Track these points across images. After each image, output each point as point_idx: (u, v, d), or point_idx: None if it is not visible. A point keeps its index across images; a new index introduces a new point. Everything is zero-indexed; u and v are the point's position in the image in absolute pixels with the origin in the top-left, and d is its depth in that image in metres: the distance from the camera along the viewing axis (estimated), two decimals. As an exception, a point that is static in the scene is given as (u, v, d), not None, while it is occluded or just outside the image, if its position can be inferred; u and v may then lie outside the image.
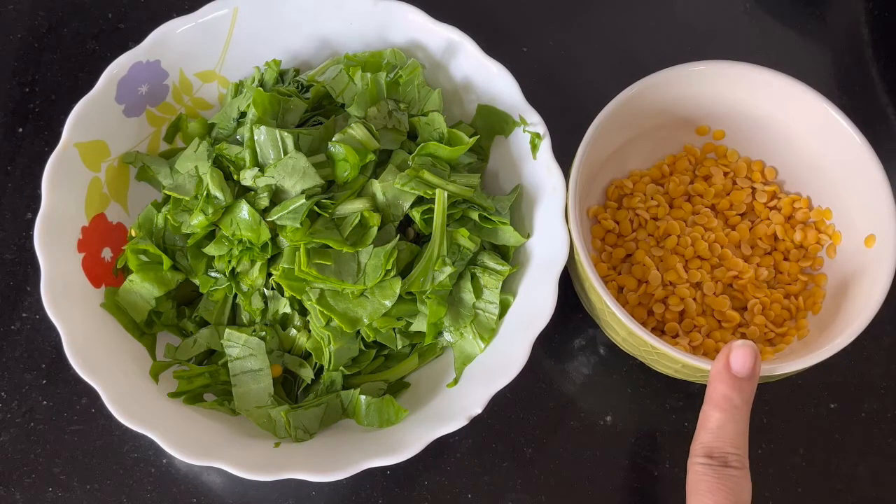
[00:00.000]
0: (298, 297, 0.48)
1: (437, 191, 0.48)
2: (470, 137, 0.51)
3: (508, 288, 0.50)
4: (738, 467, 0.42)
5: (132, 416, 0.45)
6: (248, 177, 0.48)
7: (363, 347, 0.50)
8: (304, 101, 0.51)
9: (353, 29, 0.54)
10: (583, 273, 0.48)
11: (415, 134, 0.52)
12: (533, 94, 0.52)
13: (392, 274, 0.47)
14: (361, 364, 0.50)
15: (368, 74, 0.51)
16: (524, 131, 0.52)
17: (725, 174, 0.56)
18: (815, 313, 0.53)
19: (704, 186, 0.55)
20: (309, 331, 0.50)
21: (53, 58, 0.62)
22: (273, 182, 0.48)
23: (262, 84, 0.53)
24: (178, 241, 0.51)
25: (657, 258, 0.53)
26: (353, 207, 0.48)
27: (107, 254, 0.51)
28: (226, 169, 0.49)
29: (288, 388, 0.51)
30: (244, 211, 0.48)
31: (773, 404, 0.55)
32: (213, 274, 0.51)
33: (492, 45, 0.53)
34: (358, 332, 0.49)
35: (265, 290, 0.50)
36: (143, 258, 0.50)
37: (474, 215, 0.50)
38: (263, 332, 0.49)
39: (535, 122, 0.51)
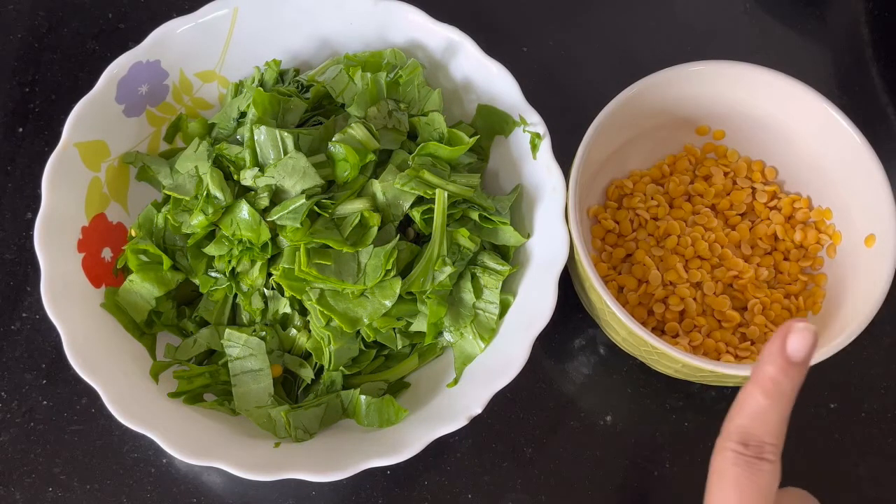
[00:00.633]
0: (298, 297, 0.48)
1: (437, 191, 0.48)
2: (470, 137, 0.51)
3: (508, 288, 0.50)
4: (772, 461, 0.39)
5: (132, 416, 0.45)
6: (248, 177, 0.48)
7: (363, 347, 0.50)
8: (304, 101, 0.51)
9: (353, 29, 0.54)
10: (583, 273, 0.48)
11: (415, 134, 0.52)
12: (533, 94, 0.52)
13: (392, 274, 0.47)
14: (361, 364, 0.50)
15: (368, 74, 0.51)
16: (524, 131, 0.52)
17: (725, 174, 0.56)
18: (815, 313, 0.53)
19: (704, 186, 0.55)
20: (309, 331, 0.50)
21: (53, 58, 0.62)
22: (273, 182, 0.48)
23: (262, 84, 0.53)
24: (178, 241, 0.51)
25: (657, 258, 0.53)
26: (353, 207, 0.48)
27: (107, 254, 0.51)
28: (226, 169, 0.49)
29: (288, 388, 0.51)
30: (244, 211, 0.48)
31: (773, 404, 0.55)
32: (213, 274, 0.51)
33: (492, 45, 0.53)
34: (358, 332, 0.49)
35: (265, 290, 0.50)
36: (143, 258, 0.50)
37: (474, 215, 0.50)
38: (263, 332, 0.49)
39: (535, 122, 0.51)
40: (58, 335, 0.46)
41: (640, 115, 0.54)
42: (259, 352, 0.49)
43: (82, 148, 0.50)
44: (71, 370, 0.45)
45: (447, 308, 0.49)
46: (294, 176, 0.48)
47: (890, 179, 0.50)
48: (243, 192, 0.49)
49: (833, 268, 0.53)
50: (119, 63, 0.51)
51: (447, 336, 0.50)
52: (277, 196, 0.48)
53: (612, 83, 0.52)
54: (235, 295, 0.51)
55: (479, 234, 0.50)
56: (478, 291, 0.50)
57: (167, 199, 0.51)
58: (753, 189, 0.56)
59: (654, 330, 0.53)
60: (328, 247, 0.47)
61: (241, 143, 0.50)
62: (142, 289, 0.50)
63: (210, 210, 0.48)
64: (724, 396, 0.55)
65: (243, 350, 0.49)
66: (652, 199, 0.55)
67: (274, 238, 0.48)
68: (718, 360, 0.51)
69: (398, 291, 0.47)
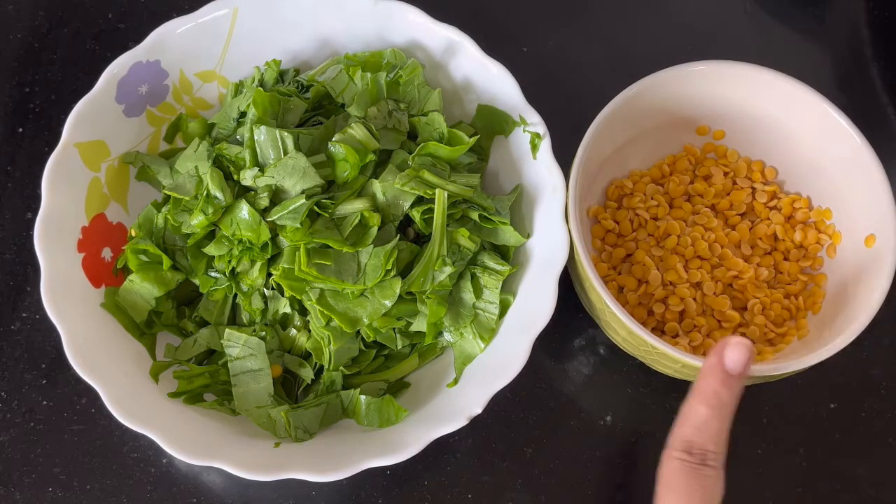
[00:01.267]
0: (298, 297, 0.48)
1: (437, 191, 0.48)
2: (470, 137, 0.51)
3: (508, 288, 0.50)
4: (714, 467, 0.41)
5: (132, 416, 0.45)
6: (248, 177, 0.48)
7: (363, 347, 0.50)
8: (304, 101, 0.51)
9: (353, 29, 0.54)
10: (583, 273, 0.48)
11: (415, 134, 0.52)
12: (533, 94, 0.52)
13: (392, 274, 0.47)
14: (361, 364, 0.50)
15: (368, 74, 0.51)
16: (524, 131, 0.52)
17: (725, 174, 0.56)
18: (815, 313, 0.53)
19: (704, 186, 0.55)
20: (309, 331, 0.50)
21: (53, 58, 0.62)
22: (273, 182, 0.48)
23: (262, 84, 0.53)
24: (178, 241, 0.51)
25: (657, 258, 0.53)
26: (353, 207, 0.48)
27: (107, 254, 0.51)
28: (226, 169, 0.49)
29: (288, 388, 0.51)
30: (244, 211, 0.48)
31: (773, 404, 0.55)
32: (213, 274, 0.51)
33: (492, 45, 0.53)
34: (358, 332, 0.49)
35: (265, 290, 0.50)
36: (143, 258, 0.50)
37: (474, 215, 0.50)
38: (263, 332, 0.49)
39: (535, 122, 0.51)
40: (58, 335, 0.46)
41: (640, 115, 0.54)
42: (259, 352, 0.49)
43: (82, 148, 0.50)
44: (71, 370, 0.45)
45: (447, 308, 0.49)
46: (294, 176, 0.48)
47: (890, 179, 0.50)
48: (243, 192, 0.49)
49: (833, 268, 0.53)
50: (119, 63, 0.51)
51: (447, 336, 0.50)
52: (277, 196, 0.48)
53: (612, 83, 0.52)
54: (235, 295, 0.51)
55: (479, 234, 0.50)
56: (478, 291, 0.50)
57: (167, 199, 0.51)
58: (753, 189, 0.56)
59: (654, 330, 0.53)
60: (328, 247, 0.47)
61: (241, 143, 0.50)
62: (142, 289, 0.50)
63: (210, 210, 0.48)
64: (724, 396, 0.55)
65: (243, 350, 0.49)
66: (652, 199, 0.55)
67: (274, 238, 0.48)
68: (718, 360, 0.51)
69: (398, 291, 0.47)
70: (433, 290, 0.48)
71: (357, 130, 0.49)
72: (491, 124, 0.53)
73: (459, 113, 0.55)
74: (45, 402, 0.54)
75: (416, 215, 0.48)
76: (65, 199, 0.49)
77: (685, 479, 0.41)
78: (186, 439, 0.45)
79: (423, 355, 0.51)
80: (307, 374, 0.50)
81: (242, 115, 0.52)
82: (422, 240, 0.50)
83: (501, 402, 0.50)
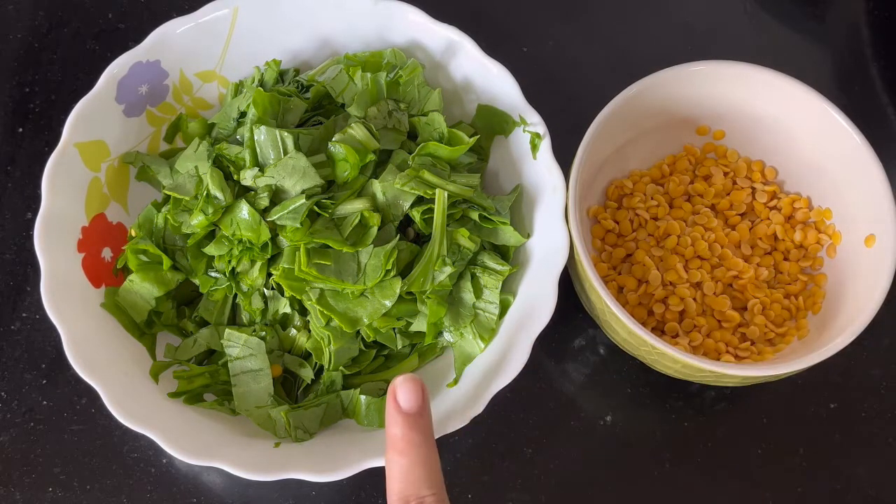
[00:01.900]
0: (298, 297, 0.48)
1: (437, 191, 0.48)
2: (470, 137, 0.51)
3: (508, 288, 0.50)
4: None
5: (132, 416, 0.45)
6: (248, 177, 0.48)
7: (363, 347, 0.50)
8: (304, 101, 0.51)
9: (353, 29, 0.54)
10: (583, 273, 0.48)
11: (415, 134, 0.52)
12: (533, 94, 0.52)
13: (392, 274, 0.47)
14: (361, 364, 0.50)
15: (368, 74, 0.51)
16: (524, 131, 0.52)
17: (725, 174, 0.56)
18: (815, 313, 0.53)
19: (704, 186, 0.55)
20: (309, 331, 0.50)
21: (53, 58, 0.62)
22: (273, 182, 0.48)
23: (262, 84, 0.53)
24: (178, 241, 0.51)
25: (657, 258, 0.53)
26: (353, 207, 0.48)
27: (107, 254, 0.51)
28: (226, 169, 0.49)
29: (288, 388, 0.51)
30: (244, 211, 0.48)
31: (773, 404, 0.55)
32: (213, 274, 0.51)
33: (492, 45, 0.53)
34: (358, 332, 0.49)
35: (265, 290, 0.50)
36: (143, 258, 0.50)
37: (474, 215, 0.50)
38: (263, 332, 0.49)
39: (535, 122, 0.51)
40: (58, 335, 0.46)
41: (640, 115, 0.54)
42: (259, 352, 0.49)
43: (82, 148, 0.50)
44: (71, 370, 0.45)
45: (447, 308, 0.49)
46: (294, 176, 0.48)
47: (890, 179, 0.50)
48: (243, 192, 0.49)
49: (833, 268, 0.53)
50: (119, 63, 0.51)
51: (447, 336, 0.50)
52: (277, 196, 0.48)
53: (612, 83, 0.52)
54: (235, 295, 0.51)
55: (479, 234, 0.50)
56: (478, 291, 0.50)
57: (167, 199, 0.51)
58: (753, 189, 0.56)
59: (654, 330, 0.53)
60: (328, 247, 0.47)
61: (241, 143, 0.50)
62: (142, 289, 0.50)
63: (210, 210, 0.48)
64: (724, 396, 0.55)
65: (243, 350, 0.49)
66: (652, 199, 0.55)
67: (274, 238, 0.48)
68: (718, 360, 0.51)
69: (398, 291, 0.47)
70: (433, 290, 0.48)
71: (357, 130, 0.49)
72: (491, 124, 0.53)
73: (459, 113, 0.55)
74: (45, 402, 0.54)
75: (416, 215, 0.48)
76: (65, 199, 0.49)
77: None
78: (186, 439, 0.45)
79: (423, 355, 0.51)
80: (307, 374, 0.50)
81: (242, 115, 0.52)
82: (422, 240, 0.50)
83: (501, 402, 0.50)
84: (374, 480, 0.52)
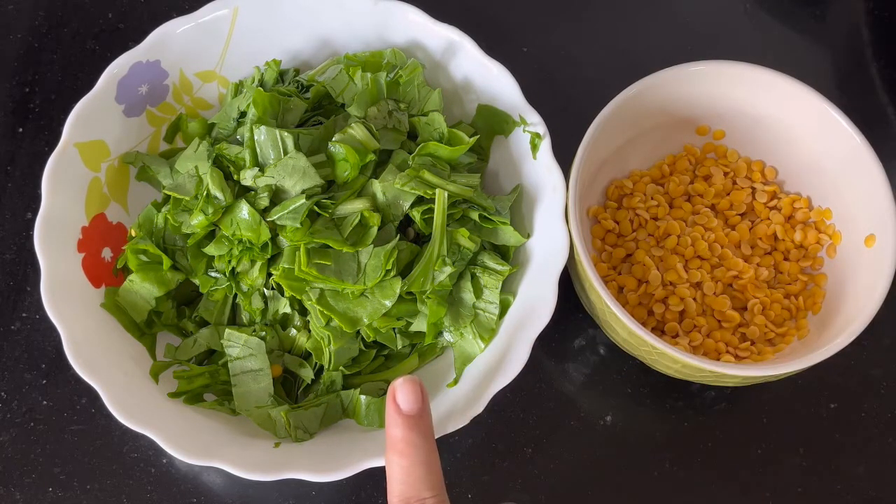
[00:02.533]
0: (298, 297, 0.48)
1: (437, 191, 0.48)
2: (470, 137, 0.51)
3: (508, 288, 0.50)
4: None
5: (132, 416, 0.45)
6: (248, 177, 0.48)
7: (363, 347, 0.50)
8: (304, 101, 0.51)
9: (353, 29, 0.54)
10: (583, 273, 0.48)
11: (415, 134, 0.52)
12: (533, 94, 0.52)
13: (392, 274, 0.47)
14: (361, 364, 0.50)
15: (368, 74, 0.51)
16: (524, 131, 0.52)
17: (725, 174, 0.56)
18: (815, 313, 0.53)
19: (704, 186, 0.55)
20: (309, 331, 0.50)
21: (53, 58, 0.62)
22: (273, 182, 0.48)
23: (262, 84, 0.53)
24: (178, 241, 0.51)
25: (657, 258, 0.53)
26: (353, 207, 0.48)
27: (107, 254, 0.51)
28: (226, 169, 0.49)
29: (288, 388, 0.51)
30: (244, 211, 0.48)
31: (773, 404, 0.55)
32: (213, 274, 0.51)
33: (492, 45, 0.53)
34: (358, 332, 0.49)
35: (265, 290, 0.50)
36: (143, 258, 0.50)
37: (474, 215, 0.50)
38: (263, 332, 0.49)
39: (535, 122, 0.51)
40: (58, 335, 0.46)
41: (640, 115, 0.54)
42: (259, 352, 0.49)
43: (82, 148, 0.50)
44: (71, 370, 0.45)
45: (447, 308, 0.49)
46: (294, 176, 0.48)
47: (890, 179, 0.50)
48: (243, 192, 0.49)
49: (833, 268, 0.53)
50: (119, 63, 0.51)
51: (447, 336, 0.50)
52: (277, 196, 0.48)
53: (612, 83, 0.52)
54: (235, 295, 0.51)
55: (479, 234, 0.50)
56: (478, 291, 0.50)
57: (167, 199, 0.51)
58: (753, 189, 0.56)
59: (654, 330, 0.53)
60: (328, 247, 0.47)
61: (241, 143, 0.50)
62: (142, 289, 0.50)
63: (210, 210, 0.48)
64: (724, 396, 0.55)
65: (243, 350, 0.49)
66: (652, 199, 0.55)
67: (274, 238, 0.48)
68: (718, 360, 0.51)
69: (398, 291, 0.47)
70: (433, 290, 0.48)
71: (357, 130, 0.49)
72: (491, 124, 0.53)
73: (459, 113, 0.55)
74: (45, 402, 0.54)
75: (416, 215, 0.48)
76: (65, 199, 0.49)
77: None
78: (186, 439, 0.45)
79: (423, 355, 0.51)
80: (307, 374, 0.50)
81: (242, 115, 0.52)
82: (422, 240, 0.50)
83: (501, 402, 0.50)
84: (374, 480, 0.52)
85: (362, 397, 0.48)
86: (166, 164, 0.52)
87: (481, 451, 0.53)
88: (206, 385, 0.50)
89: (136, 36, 0.53)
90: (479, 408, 0.46)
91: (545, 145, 0.51)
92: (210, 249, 0.50)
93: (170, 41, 0.52)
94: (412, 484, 0.40)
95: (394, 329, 0.50)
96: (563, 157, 0.51)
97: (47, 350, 0.55)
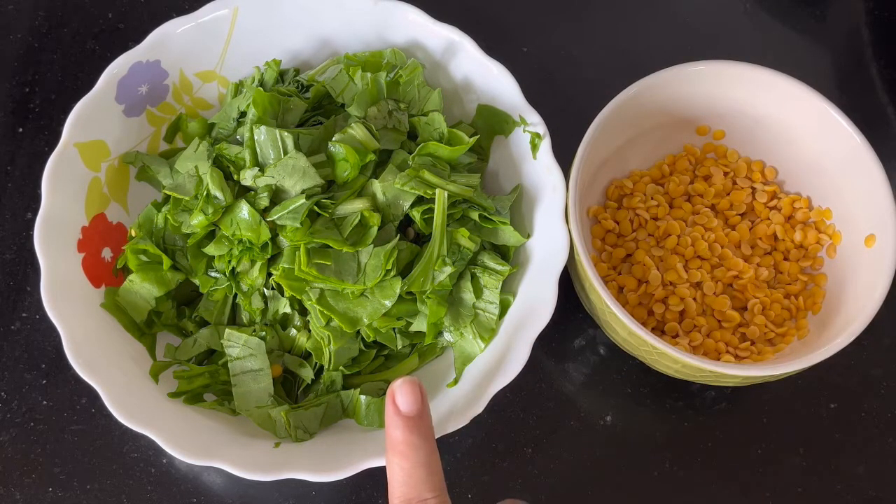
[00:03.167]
0: (298, 297, 0.48)
1: (437, 191, 0.48)
2: (470, 137, 0.51)
3: (508, 288, 0.50)
4: None
5: (132, 416, 0.45)
6: (248, 177, 0.48)
7: (363, 347, 0.50)
8: (304, 101, 0.51)
9: (353, 29, 0.54)
10: (583, 273, 0.48)
11: (415, 134, 0.52)
12: (533, 94, 0.52)
13: (392, 274, 0.47)
14: (361, 364, 0.50)
15: (368, 74, 0.51)
16: (524, 131, 0.52)
17: (725, 174, 0.56)
18: (815, 313, 0.53)
19: (704, 186, 0.55)
20: (309, 331, 0.50)
21: (53, 58, 0.62)
22: (273, 182, 0.48)
23: (262, 84, 0.53)
24: (178, 241, 0.51)
25: (657, 258, 0.53)
26: (353, 207, 0.48)
27: (107, 254, 0.51)
28: (226, 169, 0.49)
29: (288, 388, 0.51)
30: (244, 211, 0.48)
31: (773, 404, 0.55)
32: (213, 274, 0.51)
33: (492, 45, 0.53)
34: (358, 332, 0.49)
35: (265, 290, 0.50)
36: (143, 258, 0.50)
37: (474, 215, 0.50)
38: (263, 332, 0.49)
39: (535, 122, 0.51)
40: (58, 335, 0.46)
41: (640, 115, 0.54)
42: (259, 352, 0.49)
43: (82, 148, 0.50)
44: (71, 370, 0.45)
45: (447, 308, 0.49)
46: (294, 176, 0.48)
47: (890, 179, 0.50)
48: (243, 192, 0.49)
49: (833, 268, 0.53)
50: (119, 63, 0.51)
51: (447, 336, 0.50)
52: (277, 196, 0.48)
53: (612, 83, 0.52)
54: (235, 295, 0.51)
55: (479, 234, 0.50)
56: (478, 291, 0.50)
57: (167, 199, 0.51)
58: (753, 189, 0.56)
59: (654, 330, 0.53)
60: (328, 247, 0.47)
61: (241, 143, 0.50)
62: (142, 289, 0.50)
63: (210, 210, 0.48)
64: (724, 396, 0.55)
65: (243, 350, 0.49)
66: (652, 199, 0.55)
67: (274, 238, 0.48)
68: (718, 360, 0.51)
69: (398, 291, 0.47)
70: (433, 290, 0.48)
71: (357, 130, 0.49)
72: (491, 124, 0.53)
73: (459, 113, 0.55)
74: (45, 402, 0.54)
75: (416, 215, 0.48)
76: (65, 199, 0.49)
77: None
78: (186, 439, 0.45)
79: (423, 355, 0.51)
80: (307, 374, 0.50)
81: (242, 115, 0.52)
82: (422, 240, 0.50)
83: (501, 402, 0.50)
84: (374, 480, 0.52)
85: (362, 397, 0.48)
86: (166, 164, 0.52)
87: (481, 451, 0.53)
88: (206, 385, 0.50)
89: (136, 36, 0.53)
90: (479, 408, 0.46)
91: (545, 145, 0.51)
92: (210, 249, 0.50)
93: (170, 41, 0.52)
94: (413, 485, 0.40)
95: (394, 329, 0.50)
96: (563, 157, 0.51)
97: (47, 350, 0.55)
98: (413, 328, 0.50)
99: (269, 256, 0.49)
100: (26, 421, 0.53)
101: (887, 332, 0.56)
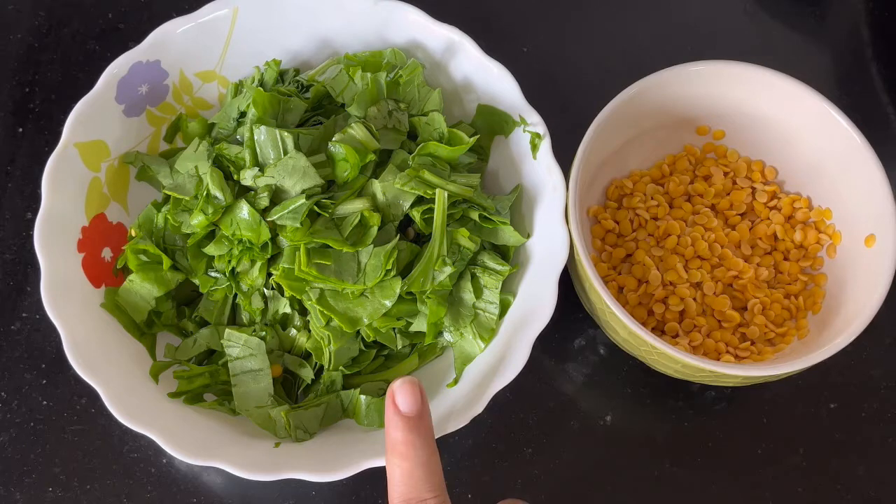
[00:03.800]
0: (298, 297, 0.48)
1: (437, 191, 0.48)
2: (470, 137, 0.51)
3: (508, 288, 0.50)
4: None
5: (132, 416, 0.45)
6: (248, 177, 0.48)
7: (363, 347, 0.50)
8: (304, 101, 0.51)
9: (353, 29, 0.54)
10: (583, 273, 0.48)
11: (415, 134, 0.52)
12: (533, 94, 0.52)
13: (392, 274, 0.47)
14: (361, 364, 0.50)
15: (368, 74, 0.51)
16: (524, 131, 0.52)
17: (725, 174, 0.56)
18: (815, 313, 0.53)
19: (704, 186, 0.55)
20: (309, 331, 0.50)
21: (53, 58, 0.62)
22: (273, 182, 0.48)
23: (262, 84, 0.53)
24: (178, 241, 0.51)
25: (657, 258, 0.53)
26: (353, 207, 0.48)
27: (107, 254, 0.51)
28: (226, 169, 0.49)
29: (288, 388, 0.51)
30: (244, 211, 0.48)
31: (773, 404, 0.55)
32: (213, 274, 0.51)
33: (492, 45, 0.53)
34: (358, 332, 0.49)
35: (265, 290, 0.50)
36: (143, 258, 0.50)
37: (474, 215, 0.50)
38: (263, 332, 0.49)
39: (535, 122, 0.51)
40: (58, 335, 0.46)
41: (640, 115, 0.54)
42: (259, 352, 0.49)
43: (82, 148, 0.50)
44: (71, 370, 0.45)
45: (447, 308, 0.49)
46: (294, 176, 0.48)
47: (890, 179, 0.50)
48: (243, 192, 0.49)
49: (833, 268, 0.53)
50: (119, 63, 0.51)
51: (447, 336, 0.50)
52: (277, 196, 0.48)
53: (612, 83, 0.52)
54: (235, 295, 0.51)
55: (479, 234, 0.50)
56: (478, 291, 0.50)
57: (167, 199, 0.51)
58: (753, 189, 0.56)
59: (654, 330, 0.53)
60: (328, 247, 0.47)
61: (241, 143, 0.50)
62: (142, 289, 0.50)
63: (210, 210, 0.48)
64: (724, 396, 0.55)
65: (243, 350, 0.49)
66: (652, 199, 0.55)
67: (274, 238, 0.48)
68: (718, 360, 0.51)
69: (398, 291, 0.47)
70: (433, 290, 0.48)
71: (357, 130, 0.49)
72: (491, 124, 0.53)
73: (459, 113, 0.55)
74: (45, 402, 0.54)
75: (416, 215, 0.48)
76: (65, 199, 0.49)
77: None
78: (186, 439, 0.45)
79: (423, 355, 0.51)
80: (307, 374, 0.50)
81: (242, 115, 0.52)
82: (422, 240, 0.50)
83: (501, 402, 0.50)
84: (373, 480, 0.52)
85: (362, 397, 0.48)
86: (166, 164, 0.52)
87: (481, 451, 0.53)
88: (206, 385, 0.50)
89: (136, 36, 0.53)
90: (479, 408, 0.46)
91: (545, 145, 0.51)
92: (210, 249, 0.50)
93: (170, 41, 0.52)
94: (413, 485, 0.40)
95: (394, 329, 0.50)
96: (563, 157, 0.51)
97: (47, 350, 0.55)
98: (413, 328, 0.50)
99: (269, 256, 0.49)
100: (26, 421, 0.53)
101: (887, 332, 0.56)
